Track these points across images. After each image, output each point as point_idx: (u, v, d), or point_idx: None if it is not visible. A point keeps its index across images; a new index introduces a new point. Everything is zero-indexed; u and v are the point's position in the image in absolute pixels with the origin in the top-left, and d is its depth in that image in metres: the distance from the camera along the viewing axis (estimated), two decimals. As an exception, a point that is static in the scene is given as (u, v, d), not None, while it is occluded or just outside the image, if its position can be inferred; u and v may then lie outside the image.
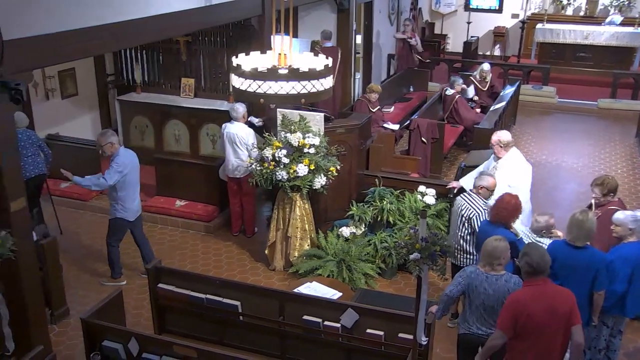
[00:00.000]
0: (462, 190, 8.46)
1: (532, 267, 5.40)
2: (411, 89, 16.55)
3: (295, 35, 12.35)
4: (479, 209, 7.29)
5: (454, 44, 21.10)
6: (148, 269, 7.27)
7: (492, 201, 7.26)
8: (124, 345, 6.28)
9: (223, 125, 9.92)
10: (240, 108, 9.66)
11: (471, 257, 7.41)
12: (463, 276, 6.05)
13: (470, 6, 20.75)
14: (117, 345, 6.29)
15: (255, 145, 9.18)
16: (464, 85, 14.07)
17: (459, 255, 7.55)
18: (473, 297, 5.97)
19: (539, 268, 5.40)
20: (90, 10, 7.08)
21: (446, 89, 13.84)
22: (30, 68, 6.81)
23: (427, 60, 17.97)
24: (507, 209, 6.78)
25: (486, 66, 14.83)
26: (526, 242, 6.73)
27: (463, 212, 7.41)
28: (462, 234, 7.44)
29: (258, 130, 9.91)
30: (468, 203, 7.41)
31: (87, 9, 7.04)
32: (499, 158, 8.34)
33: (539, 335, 5.43)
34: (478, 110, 14.08)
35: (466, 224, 7.37)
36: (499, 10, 20.86)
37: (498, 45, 21.02)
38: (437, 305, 6.35)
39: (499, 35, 20.96)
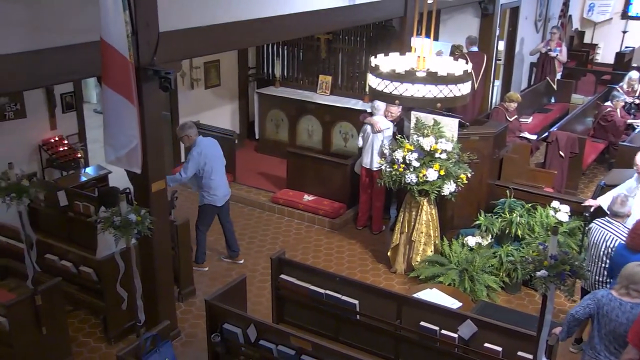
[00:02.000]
0: (599, 210, 8.16)
1: None
2: (552, 100, 16.05)
3: (436, 39, 12.28)
4: (624, 237, 6.89)
5: (605, 55, 20.02)
6: (272, 259, 7.42)
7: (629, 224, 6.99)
8: (243, 330, 6.44)
9: (365, 118, 10.06)
10: (381, 103, 9.72)
11: (608, 286, 7.06)
12: (593, 299, 5.79)
13: (629, 14, 19.61)
14: (236, 330, 6.46)
15: (388, 146, 9.23)
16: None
17: (596, 284, 7.17)
18: (602, 323, 5.71)
19: None
20: (237, 5, 7.35)
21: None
22: (181, 58, 7.14)
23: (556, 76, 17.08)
24: None
25: (635, 74, 14.07)
26: None
27: (608, 242, 6.99)
28: (606, 265, 7.02)
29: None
30: (613, 232, 6.99)
31: (235, 4, 7.30)
32: None
33: None
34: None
35: (611, 254, 6.91)
36: (662, 19, 19.64)
37: (655, 58, 19.83)
38: (561, 327, 6.19)
39: (657, 45, 19.76)
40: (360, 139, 10.20)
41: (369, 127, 9.88)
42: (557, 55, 15.78)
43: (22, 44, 5.39)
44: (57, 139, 10.04)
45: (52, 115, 10.01)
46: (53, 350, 7.03)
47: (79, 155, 10.20)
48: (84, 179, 10.12)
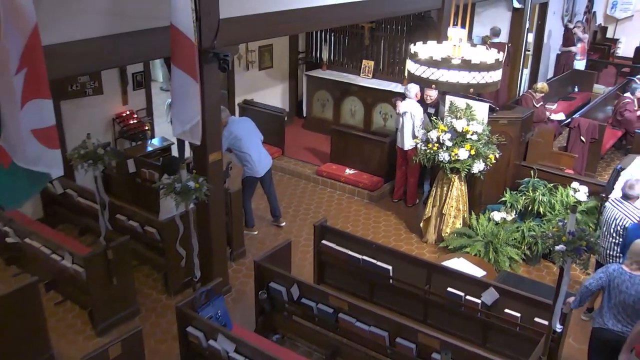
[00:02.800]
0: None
1: None
2: (576, 89, 15.79)
3: (470, 30, 12.11)
4: (634, 217, 6.84)
5: (626, 49, 19.66)
6: (315, 226, 7.46)
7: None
8: (287, 289, 6.51)
9: (397, 103, 9.95)
10: (413, 88, 9.65)
11: (619, 260, 7.00)
12: (605, 272, 5.72)
13: (650, 12, 19.28)
14: (281, 288, 6.53)
15: (422, 126, 9.16)
16: None
17: (607, 257, 7.12)
18: (613, 294, 5.64)
19: None
20: (291, -6, 7.32)
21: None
22: (238, 42, 7.15)
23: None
24: None
25: None
26: None
27: (618, 220, 6.94)
28: (616, 241, 6.98)
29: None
30: (624, 213, 6.93)
31: (288, -7, 7.28)
32: None
33: None
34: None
35: (621, 232, 6.90)
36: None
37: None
38: (575, 297, 6.12)
39: (675, 43, 19.32)
40: (395, 120, 10.13)
41: (401, 110, 9.78)
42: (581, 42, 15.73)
43: (103, 29, 5.50)
44: (128, 113, 10.16)
45: (125, 92, 10.13)
46: (121, 299, 7.19)
47: (147, 128, 10.35)
48: (149, 149, 10.25)
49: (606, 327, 5.76)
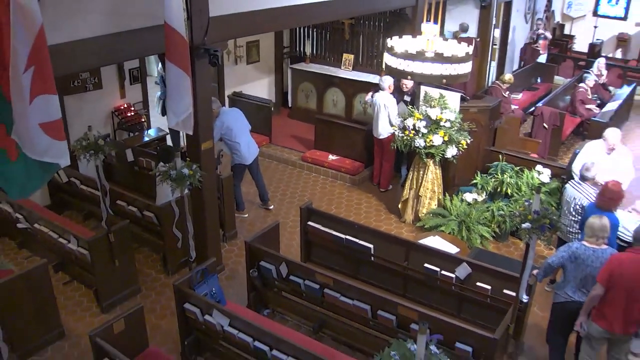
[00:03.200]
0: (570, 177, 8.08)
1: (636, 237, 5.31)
2: (539, 80, 15.87)
3: (442, 25, 12.10)
4: (591, 197, 6.87)
5: (580, 45, 19.89)
6: (301, 208, 7.43)
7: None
8: (276, 267, 6.49)
9: (372, 95, 9.90)
10: (387, 80, 9.60)
11: (578, 236, 7.06)
12: (567, 251, 5.74)
13: (598, 13, 19.48)
14: (271, 266, 6.51)
15: (398, 115, 9.14)
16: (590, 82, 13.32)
17: (568, 234, 7.16)
18: (579, 269, 5.66)
19: None
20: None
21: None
22: (227, 39, 7.08)
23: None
24: (613, 197, 6.40)
25: (602, 60, 14.07)
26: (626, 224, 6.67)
27: (577, 200, 6.99)
28: (575, 219, 7.02)
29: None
30: (581, 193, 6.99)
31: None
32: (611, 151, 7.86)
33: (626, 292, 5.30)
34: (595, 105, 13.25)
35: (580, 210, 6.95)
36: (624, 18, 19.37)
37: (620, 49, 19.70)
38: (539, 270, 6.16)
39: (622, 40, 19.59)
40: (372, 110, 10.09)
41: (376, 102, 9.73)
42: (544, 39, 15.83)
43: (103, 28, 5.47)
44: (125, 106, 10.10)
45: (122, 86, 10.07)
46: (124, 279, 7.17)
47: (143, 120, 10.30)
48: (146, 139, 10.19)
49: (572, 299, 5.80)
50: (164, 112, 11.03)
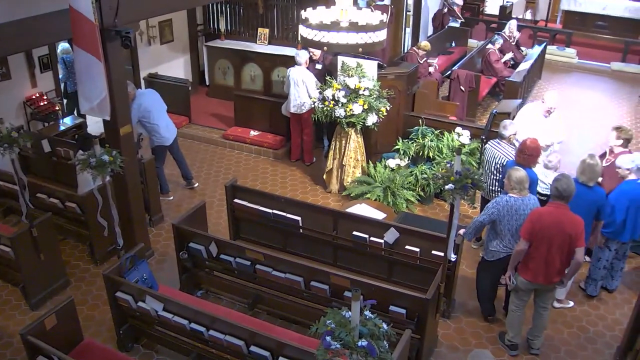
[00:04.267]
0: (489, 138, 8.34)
1: (558, 191, 5.56)
2: (453, 44, 16.18)
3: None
4: (510, 155, 7.16)
5: (491, 7, 20.36)
6: (226, 186, 7.43)
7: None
8: (206, 248, 6.51)
9: (288, 69, 9.87)
10: (304, 54, 9.63)
11: (500, 194, 7.31)
12: (496, 207, 6.02)
13: (508, -25, 20.05)
14: (200, 247, 6.52)
15: (316, 87, 9.19)
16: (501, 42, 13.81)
17: (490, 193, 7.41)
18: (512, 220, 5.97)
19: (565, 193, 5.55)
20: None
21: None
22: (138, 19, 6.93)
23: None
24: (532, 153, 6.67)
25: (513, 23, 14.56)
26: (543, 178, 7.00)
27: (497, 159, 7.24)
28: (496, 177, 7.28)
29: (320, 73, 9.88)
30: (501, 152, 7.25)
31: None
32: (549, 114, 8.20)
33: (547, 245, 5.60)
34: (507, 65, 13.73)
35: (500, 169, 7.20)
36: (533, -20, 20.16)
37: (529, 10, 20.36)
38: (466, 229, 6.39)
39: (530, 2, 20.35)
40: (285, 86, 10.02)
41: (289, 77, 9.71)
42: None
43: (5, 16, 5.29)
44: (37, 95, 9.74)
45: (32, 75, 9.70)
46: (51, 272, 7.02)
47: (57, 108, 9.94)
48: (62, 128, 9.88)
49: (505, 250, 6.11)
50: (66, 95, 10.74)
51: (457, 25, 16.74)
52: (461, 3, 16.80)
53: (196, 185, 9.59)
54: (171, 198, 9.25)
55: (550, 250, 5.63)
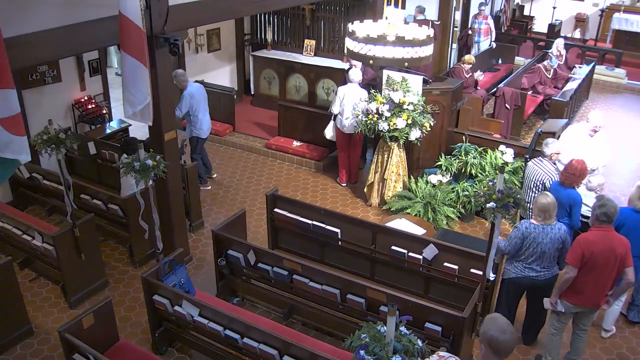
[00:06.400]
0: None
1: (606, 215, 5.44)
2: (500, 61, 16.03)
3: (403, 8, 12.12)
4: (551, 174, 7.07)
5: (540, 25, 20.15)
6: (267, 195, 7.44)
7: (561, 165, 7.10)
8: (244, 255, 6.51)
9: (338, 88, 9.59)
10: (357, 73, 9.35)
11: None
12: (518, 235, 5.90)
13: (557, -7, 19.80)
14: (238, 255, 6.53)
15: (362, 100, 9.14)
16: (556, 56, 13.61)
17: (528, 211, 7.24)
18: (531, 247, 5.84)
19: (613, 217, 5.45)
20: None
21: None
22: (187, 27, 7.01)
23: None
24: (575, 173, 6.59)
25: (560, 41, 14.16)
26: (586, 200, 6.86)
27: (538, 176, 7.17)
28: (535, 194, 7.12)
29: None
30: (541, 169, 7.17)
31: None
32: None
33: (600, 269, 5.48)
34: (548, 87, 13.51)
35: (540, 187, 7.13)
36: (582, -1, 19.87)
37: (578, 29, 20.05)
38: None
39: (580, 20, 20.01)
40: (334, 106, 9.61)
41: (345, 96, 9.34)
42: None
43: (58, 20, 5.37)
44: (86, 98, 9.94)
45: (82, 78, 9.91)
46: (91, 273, 7.12)
47: (104, 112, 10.17)
48: (108, 131, 10.08)
49: (523, 274, 5.98)
50: None
51: (487, 47, 16.24)
52: (488, 24, 16.18)
53: (215, 176, 10.07)
54: (208, 187, 9.73)
55: (602, 275, 5.50)
